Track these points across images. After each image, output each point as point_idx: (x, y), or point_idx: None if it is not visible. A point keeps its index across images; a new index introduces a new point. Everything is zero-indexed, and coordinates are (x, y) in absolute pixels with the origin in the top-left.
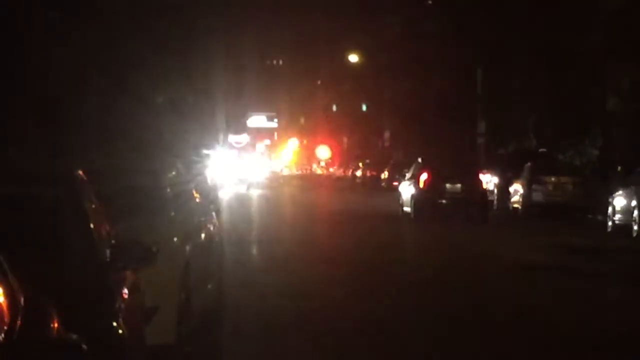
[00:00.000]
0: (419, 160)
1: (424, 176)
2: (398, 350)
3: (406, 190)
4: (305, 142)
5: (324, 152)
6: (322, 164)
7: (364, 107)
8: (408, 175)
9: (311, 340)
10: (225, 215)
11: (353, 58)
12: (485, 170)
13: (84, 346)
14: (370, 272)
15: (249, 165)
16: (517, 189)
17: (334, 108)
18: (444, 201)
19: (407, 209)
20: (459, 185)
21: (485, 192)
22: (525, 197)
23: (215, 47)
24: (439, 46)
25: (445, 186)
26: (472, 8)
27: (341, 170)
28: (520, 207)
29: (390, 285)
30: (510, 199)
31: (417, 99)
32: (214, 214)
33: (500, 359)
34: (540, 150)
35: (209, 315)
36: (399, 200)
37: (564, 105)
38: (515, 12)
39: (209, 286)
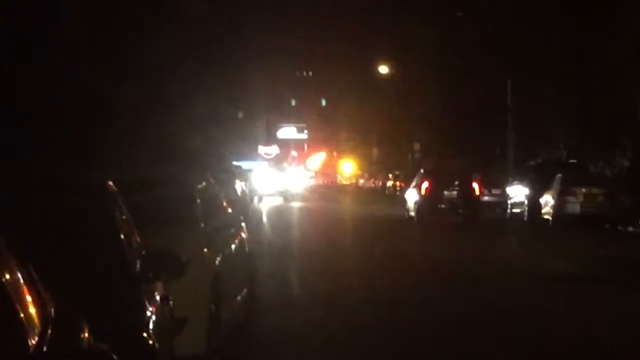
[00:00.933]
0: (421, 171)
1: (425, 185)
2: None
3: (410, 197)
4: (335, 154)
5: (348, 165)
6: (347, 175)
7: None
8: (412, 184)
9: (342, 354)
10: (264, 227)
11: (383, 69)
12: (515, 182)
13: (114, 357)
14: (400, 285)
15: (285, 177)
16: (547, 200)
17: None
18: (442, 206)
19: (412, 213)
20: (455, 192)
21: (477, 197)
22: (556, 208)
23: (249, 59)
24: (468, 58)
25: (443, 193)
26: (501, 19)
27: (371, 182)
28: (550, 219)
29: (420, 300)
30: (541, 210)
31: (446, 111)
32: (243, 225)
33: None
34: (571, 161)
35: (238, 326)
36: (404, 205)
37: (593, 115)
38: (544, 22)
39: (239, 298)
